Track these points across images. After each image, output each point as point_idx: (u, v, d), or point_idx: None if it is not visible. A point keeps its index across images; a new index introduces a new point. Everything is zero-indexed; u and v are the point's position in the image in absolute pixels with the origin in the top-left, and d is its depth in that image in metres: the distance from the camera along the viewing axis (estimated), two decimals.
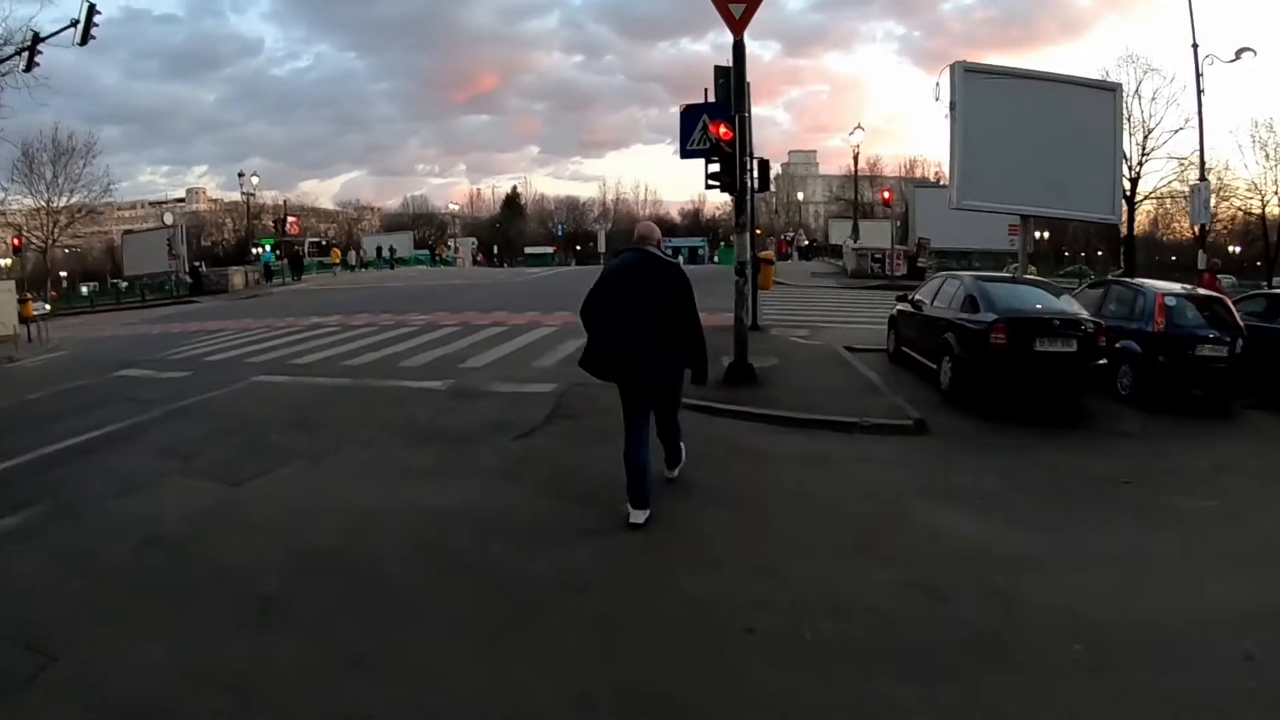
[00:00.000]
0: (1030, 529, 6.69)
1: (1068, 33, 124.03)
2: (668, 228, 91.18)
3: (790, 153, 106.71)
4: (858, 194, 43.49)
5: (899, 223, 45.18)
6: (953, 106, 15.70)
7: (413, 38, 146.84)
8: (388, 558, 5.85)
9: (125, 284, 47.84)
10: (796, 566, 5.71)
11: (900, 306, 14.15)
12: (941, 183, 40.24)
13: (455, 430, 9.51)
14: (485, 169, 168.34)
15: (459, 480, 7.69)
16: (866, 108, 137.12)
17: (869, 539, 6.32)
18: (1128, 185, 35.02)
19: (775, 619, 4.91)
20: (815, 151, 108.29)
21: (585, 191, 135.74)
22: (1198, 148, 23.93)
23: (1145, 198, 39.26)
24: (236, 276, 43.43)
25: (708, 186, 12.19)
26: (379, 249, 64.76)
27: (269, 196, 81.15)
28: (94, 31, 21.93)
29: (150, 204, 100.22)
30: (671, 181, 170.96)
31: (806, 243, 51.17)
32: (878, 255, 37.71)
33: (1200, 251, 24.02)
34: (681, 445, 7.37)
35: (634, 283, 6.29)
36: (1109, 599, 5.33)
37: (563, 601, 5.18)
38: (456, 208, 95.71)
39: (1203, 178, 24.00)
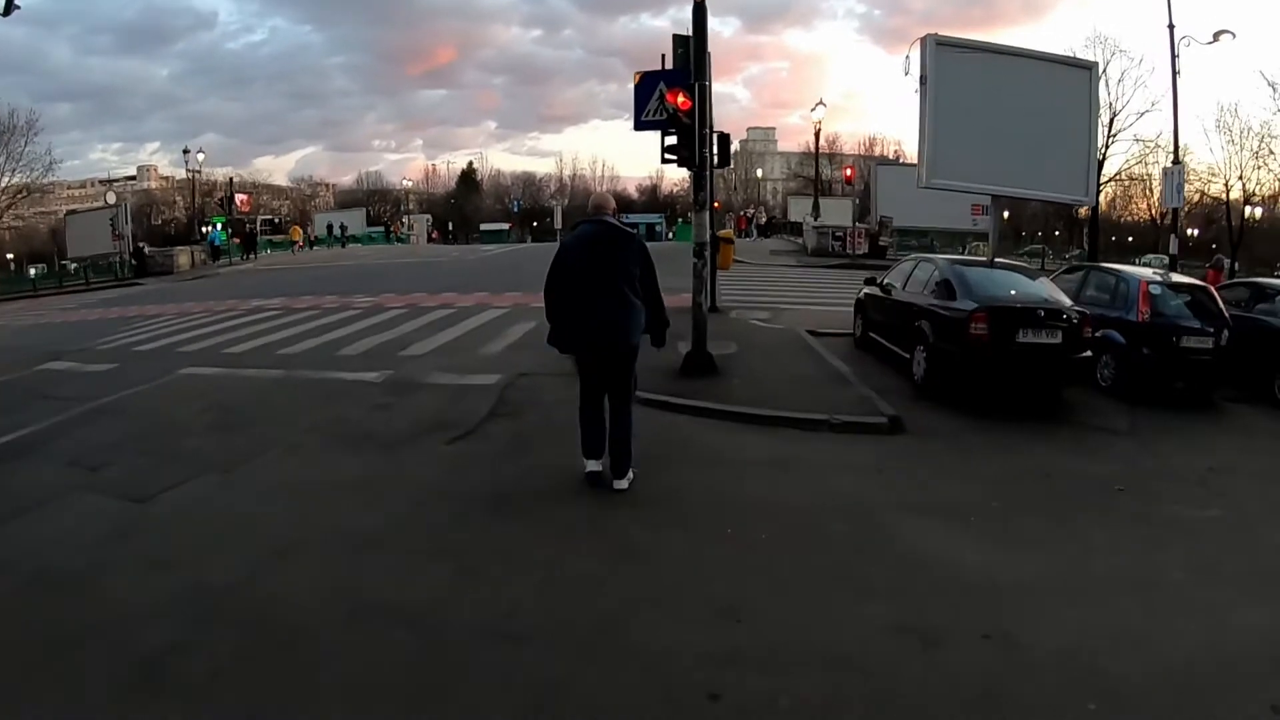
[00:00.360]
0: (1026, 549, 6.03)
1: (1029, 14, 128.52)
2: (625, 203, 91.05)
3: (749, 129, 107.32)
4: (819, 171, 42.81)
5: (858, 200, 44.64)
6: (923, 81, 14.75)
7: (369, 10, 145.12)
8: (297, 599, 5.03)
9: (74, 266, 46.30)
10: (768, 606, 4.98)
11: (868, 290, 13.53)
12: (903, 161, 39.86)
13: (387, 432, 8.69)
14: (443, 144, 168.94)
15: (385, 495, 6.86)
16: (826, 85, 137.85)
17: (849, 567, 5.60)
18: None
19: (745, 679, 4.17)
20: (774, 128, 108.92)
21: (542, 167, 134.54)
22: (1171, 130, 23.53)
23: (1109, 180, 39.18)
24: (182, 257, 42.03)
25: (664, 160, 11.39)
26: (330, 226, 62.89)
27: (222, 173, 79.59)
28: (38, 4, 20.44)
29: (100, 182, 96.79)
30: (629, 157, 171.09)
31: (765, 220, 50.23)
32: (839, 234, 37.20)
33: (1173, 236, 23.71)
34: (631, 451, 6.78)
35: (594, 253, 6.38)
36: (1120, 639, 4.70)
37: (495, 657, 4.40)
38: (410, 184, 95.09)
39: (1177, 160, 23.51)
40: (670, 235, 68.08)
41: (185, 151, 45.90)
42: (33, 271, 53.08)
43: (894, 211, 37.28)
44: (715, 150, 14.86)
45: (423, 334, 14.71)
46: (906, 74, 15.33)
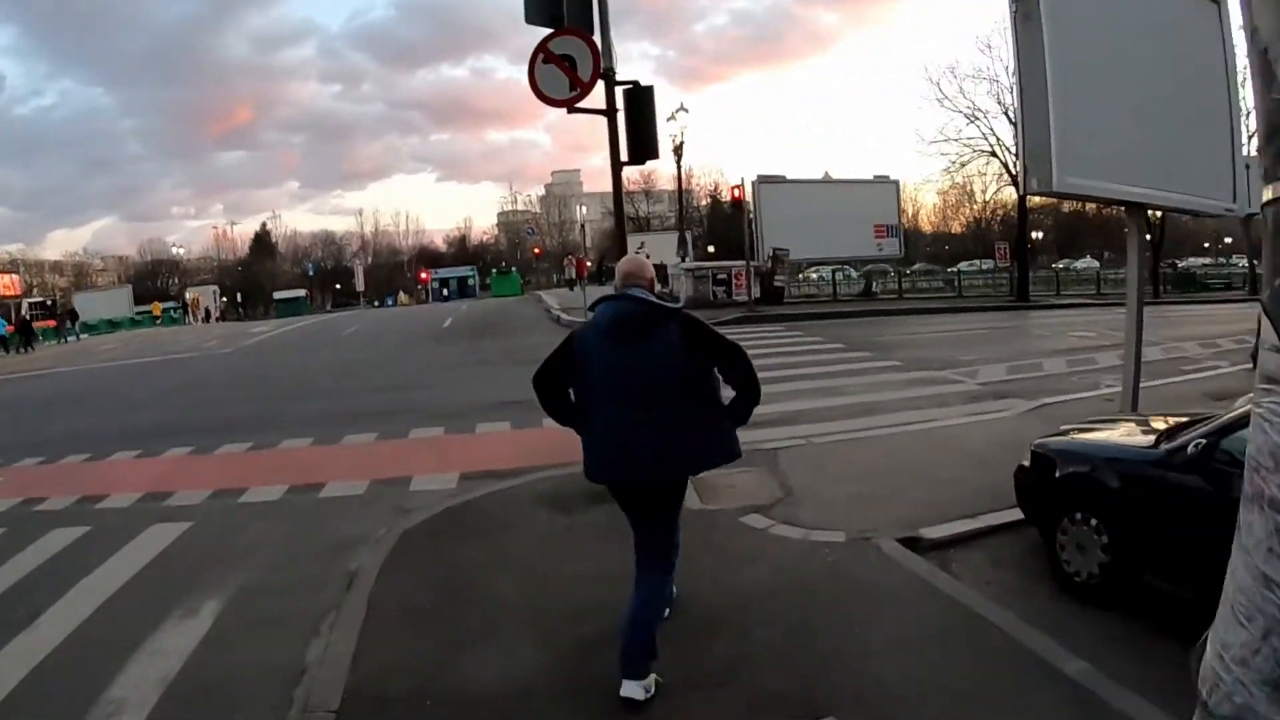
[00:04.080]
0: None
1: (815, 46, 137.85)
2: (433, 257, 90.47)
3: (553, 173, 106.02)
4: (682, 197, 34.36)
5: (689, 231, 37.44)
6: (1022, 13, 7.89)
7: (161, 70, 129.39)
8: None
9: None
10: None
11: (1127, 446, 5.81)
12: (789, 178, 32.11)
13: None
14: (244, 208, 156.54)
15: None
16: None
17: None
18: None
19: None
20: (578, 170, 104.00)
21: (345, 226, 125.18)
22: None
23: None
24: None
25: None
26: (71, 314, 50.60)
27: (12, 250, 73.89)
28: None
29: None
30: (435, 209, 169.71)
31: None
32: (721, 275, 28.96)
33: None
34: (655, 641, 4.29)
35: (621, 346, 4.25)
36: None
37: None
38: (182, 251, 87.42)
39: None
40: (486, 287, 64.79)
41: None
42: None
43: (783, 240, 29.63)
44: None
45: None
46: None
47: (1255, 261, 40.64)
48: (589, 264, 36.02)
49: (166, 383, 20.03)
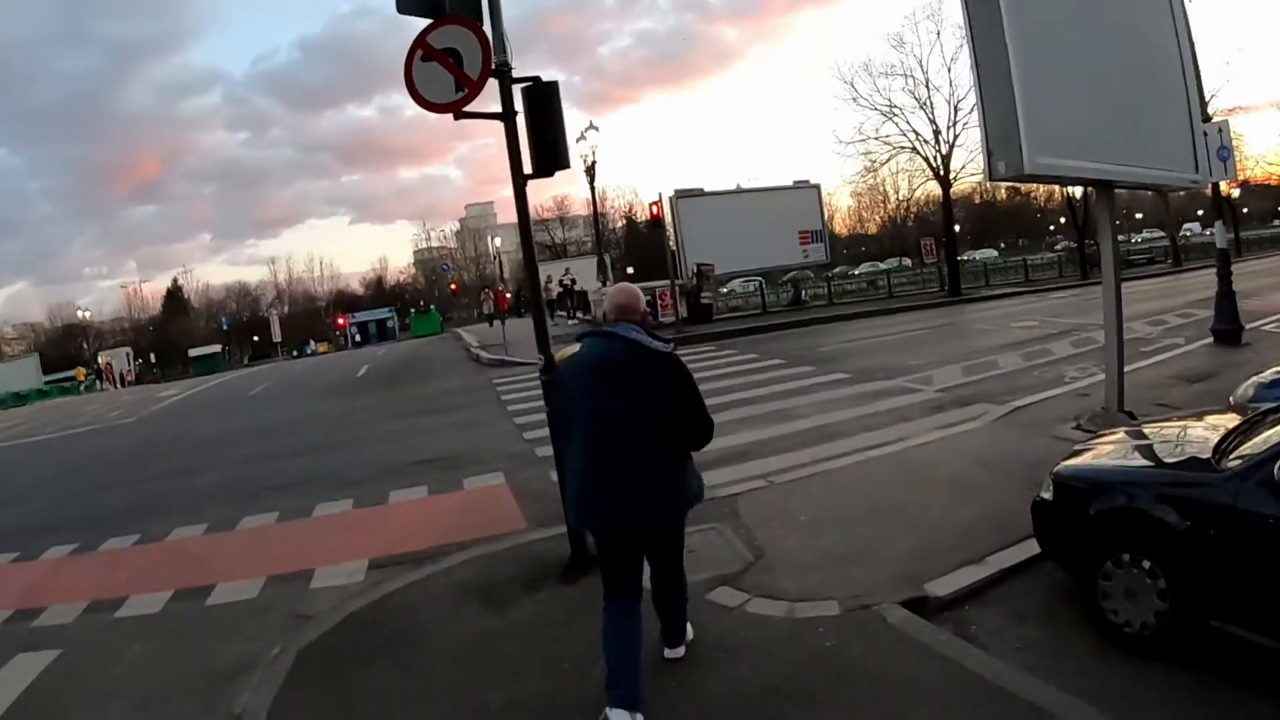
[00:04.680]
0: None
1: (719, 63, 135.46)
2: (350, 301, 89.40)
3: (467, 207, 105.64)
4: (598, 222, 33.22)
5: (608, 256, 36.68)
6: None
7: (65, 127, 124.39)
8: None
9: None
10: None
11: (1178, 469, 4.71)
12: (707, 190, 31.19)
13: None
14: (158, 263, 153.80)
15: None
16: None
17: None
18: None
19: None
20: (492, 202, 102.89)
21: (259, 275, 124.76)
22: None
23: None
24: None
25: None
26: None
27: None
28: None
29: None
30: (349, 253, 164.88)
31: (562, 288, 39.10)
32: (645, 296, 27.82)
33: (1218, 222, 15.52)
34: (686, 615, 4.70)
35: (604, 387, 4.08)
36: None
37: None
38: (89, 314, 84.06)
39: (1207, 116, 14.95)
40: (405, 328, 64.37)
41: None
42: None
43: (704, 255, 28.69)
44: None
45: None
46: None
47: (1174, 235, 41.09)
48: (508, 295, 34.74)
49: (62, 462, 18.15)
